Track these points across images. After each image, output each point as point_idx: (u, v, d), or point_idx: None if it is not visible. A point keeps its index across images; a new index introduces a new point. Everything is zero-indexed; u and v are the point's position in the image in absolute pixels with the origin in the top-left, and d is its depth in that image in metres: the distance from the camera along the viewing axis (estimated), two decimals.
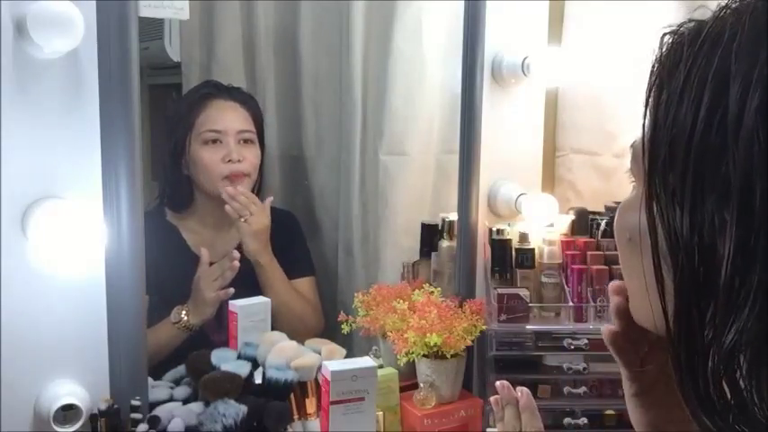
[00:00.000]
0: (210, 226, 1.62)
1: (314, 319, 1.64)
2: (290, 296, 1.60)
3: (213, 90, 1.60)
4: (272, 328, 1.46)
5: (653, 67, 0.51)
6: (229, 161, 1.55)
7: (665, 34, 0.50)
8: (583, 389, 1.51)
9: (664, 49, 0.50)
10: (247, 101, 1.63)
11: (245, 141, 1.59)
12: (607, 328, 0.61)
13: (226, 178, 1.55)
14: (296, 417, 1.31)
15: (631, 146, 0.57)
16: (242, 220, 1.53)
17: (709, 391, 0.45)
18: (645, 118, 0.52)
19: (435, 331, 1.38)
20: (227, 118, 1.58)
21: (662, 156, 0.48)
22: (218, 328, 1.53)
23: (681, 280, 0.47)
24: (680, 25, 0.49)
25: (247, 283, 1.57)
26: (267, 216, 1.56)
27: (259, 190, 1.66)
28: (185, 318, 1.48)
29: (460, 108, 1.57)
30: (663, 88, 0.49)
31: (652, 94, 0.51)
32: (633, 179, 0.58)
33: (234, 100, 1.60)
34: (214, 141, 1.56)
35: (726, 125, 0.43)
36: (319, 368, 1.30)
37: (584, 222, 1.63)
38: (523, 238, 1.58)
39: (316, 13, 1.77)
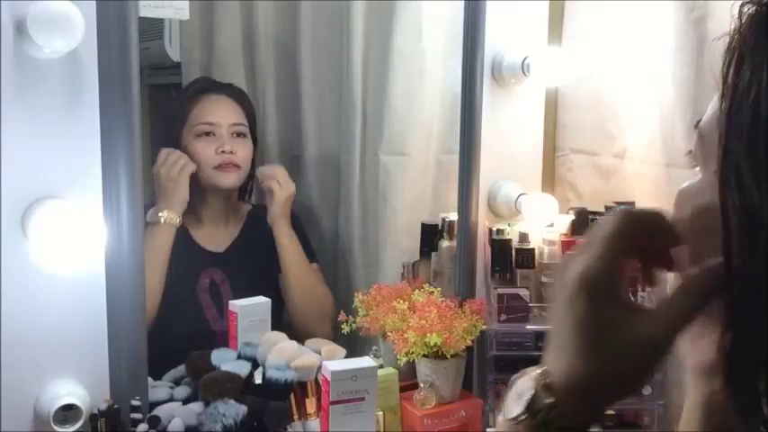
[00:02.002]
0: (209, 221, 1.64)
1: (326, 297, 1.67)
2: (305, 269, 1.64)
3: (206, 85, 1.64)
4: (276, 326, 1.47)
5: (731, 40, 0.46)
6: (222, 152, 1.58)
7: (744, 3, 0.45)
8: None
9: (744, 20, 0.45)
10: (240, 96, 1.66)
11: (238, 135, 1.61)
12: None
13: (217, 168, 1.58)
14: (296, 417, 1.31)
15: (696, 127, 0.52)
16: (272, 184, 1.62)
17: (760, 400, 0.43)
18: (722, 100, 0.47)
19: (435, 331, 1.38)
20: (220, 111, 1.61)
21: (741, 143, 0.44)
22: (219, 317, 1.56)
23: (752, 272, 0.44)
24: None
25: (248, 282, 1.59)
26: (292, 190, 1.64)
27: (251, 191, 1.70)
28: (164, 214, 1.50)
29: (460, 108, 1.57)
30: (743, 64, 0.45)
31: (730, 71, 0.46)
32: (696, 163, 0.53)
33: (226, 94, 1.64)
34: (207, 134, 1.58)
35: None
36: (319, 368, 1.30)
37: (584, 222, 1.62)
38: (523, 238, 1.58)
39: (315, 13, 1.77)
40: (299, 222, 1.73)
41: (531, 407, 0.48)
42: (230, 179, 1.60)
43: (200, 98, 1.61)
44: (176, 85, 1.78)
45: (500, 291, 1.52)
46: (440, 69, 1.68)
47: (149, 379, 1.23)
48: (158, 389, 1.28)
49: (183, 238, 1.59)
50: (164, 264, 1.49)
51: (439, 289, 1.50)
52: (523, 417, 0.48)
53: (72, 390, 1.11)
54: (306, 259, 1.65)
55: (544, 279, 1.55)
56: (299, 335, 1.49)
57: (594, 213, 1.63)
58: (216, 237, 1.64)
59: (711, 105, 0.50)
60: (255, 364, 1.31)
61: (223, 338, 1.47)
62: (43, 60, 1.05)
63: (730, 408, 0.47)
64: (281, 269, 1.61)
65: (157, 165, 1.52)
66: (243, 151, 1.61)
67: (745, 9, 0.44)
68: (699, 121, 0.53)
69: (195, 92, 1.62)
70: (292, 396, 1.30)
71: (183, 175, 1.51)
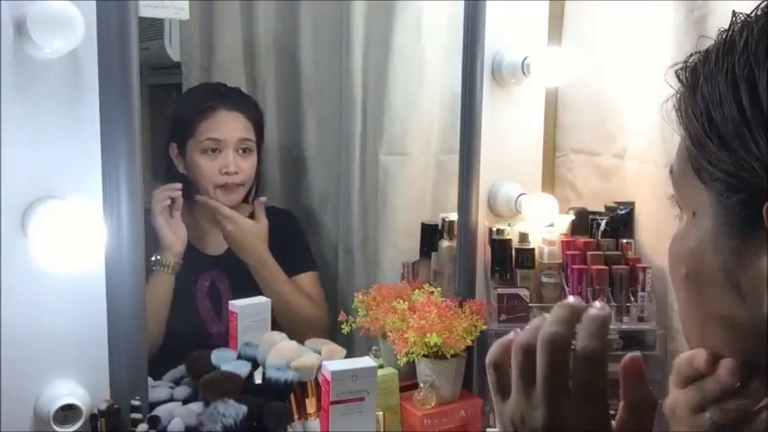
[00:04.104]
0: (206, 220, 1.63)
1: (315, 314, 1.65)
2: (288, 294, 1.60)
3: (217, 101, 1.60)
4: (274, 327, 1.47)
5: (677, 98, 0.53)
6: (226, 173, 1.57)
7: (677, 70, 0.53)
8: None
9: (681, 77, 0.53)
10: (249, 108, 1.64)
11: (244, 150, 1.60)
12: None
13: (220, 187, 1.58)
14: (296, 417, 1.31)
15: (671, 172, 0.57)
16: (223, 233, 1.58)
17: None
18: (683, 142, 0.54)
19: (435, 331, 1.38)
20: (229, 127, 1.59)
21: (715, 157, 0.49)
22: (217, 320, 1.56)
23: None
24: (687, 58, 0.53)
25: (247, 283, 1.59)
26: (247, 226, 1.58)
27: (255, 193, 1.68)
28: (159, 258, 1.48)
29: (460, 108, 1.57)
30: (690, 105, 0.51)
31: (682, 117, 0.53)
32: (678, 207, 0.57)
33: (237, 109, 1.60)
34: (213, 150, 1.57)
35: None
36: (319, 368, 1.30)
37: (584, 222, 1.63)
38: (523, 238, 1.58)
39: (316, 13, 1.77)
40: (297, 224, 1.73)
41: None
42: (232, 198, 1.59)
43: (211, 113, 1.57)
44: (176, 85, 1.78)
45: (500, 291, 1.52)
46: (440, 69, 1.68)
47: (149, 379, 1.23)
48: (158, 389, 1.28)
49: None
50: (165, 311, 1.48)
51: (439, 289, 1.50)
52: None
53: (72, 390, 1.11)
54: (284, 280, 1.61)
55: (544, 279, 1.55)
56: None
57: (594, 213, 1.63)
58: (215, 241, 1.63)
59: (678, 152, 0.55)
60: (255, 364, 1.31)
61: (219, 340, 1.47)
62: (43, 60, 1.05)
63: None
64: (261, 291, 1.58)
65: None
66: (247, 168, 1.60)
67: (679, 72, 0.53)
68: (672, 167, 0.57)
69: (206, 108, 1.58)
70: (292, 396, 1.30)
71: (160, 222, 1.49)
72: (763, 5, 0.49)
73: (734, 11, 0.51)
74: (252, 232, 1.59)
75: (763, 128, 0.46)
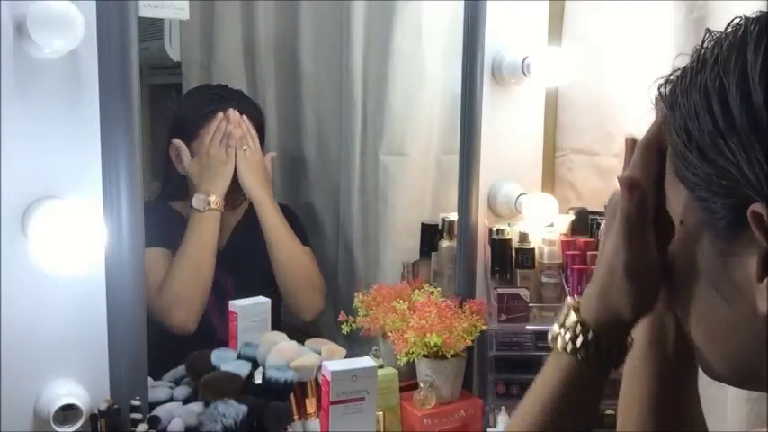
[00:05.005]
0: None
1: (317, 277, 1.66)
2: (293, 244, 1.62)
3: (219, 105, 1.59)
4: (274, 324, 1.46)
5: (661, 112, 0.57)
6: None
7: (660, 85, 0.57)
8: None
9: (662, 92, 0.57)
10: (251, 111, 1.63)
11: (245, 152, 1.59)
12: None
13: None
14: (296, 417, 1.31)
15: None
16: (243, 148, 1.57)
17: None
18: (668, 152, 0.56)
19: (435, 331, 1.38)
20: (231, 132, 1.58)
21: (697, 168, 0.51)
22: (221, 317, 1.54)
23: None
24: (667, 76, 0.57)
25: (248, 278, 1.59)
26: (261, 155, 1.61)
27: None
28: (210, 197, 1.51)
29: (460, 108, 1.57)
30: (671, 121, 0.55)
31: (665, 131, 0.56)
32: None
33: (239, 110, 1.60)
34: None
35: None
36: (319, 368, 1.30)
37: (584, 222, 1.63)
38: (523, 238, 1.58)
39: (316, 13, 1.78)
40: (294, 215, 1.72)
41: (563, 322, 0.63)
42: (234, 198, 1.59)
43: (213, 117, 1.56)
44: (176, 85, 1.78)
45: (500, 291, 1.53)
46: (440, 69, 1.68)
47: (149, 379, 1.23)
48: (158, 389, 1.28)
49: (182, 229, 1.58)
50: (213, 251, 1.51)
51: (439, 289, 1.50)
52: (557, 333, 0.63)
53: (72, 390, 1.11)
54: (292, 234, 1.62)
55: (544, 279, 1.55)
56: (291, 312, 1.54)
57: (594, 213, 1.63)
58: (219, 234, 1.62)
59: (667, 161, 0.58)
60: (255, 364, 1.31)
61: (224, 336, 1.46)
62: (43, 60, 1.05)
63: None
64: (267, 245, 1.59)
65: (205, 144, 1.52)
66: None
67: (661, 88, 0.57)
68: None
69: (208, 113, 1.57)
70: (292, 396, 1.30)
71: (231, 155, 1.53)
72: (733, 22, 0.52)
73: (707, 29, 0.54)
74: (262, 160, 1.60)
75: (735, 134, 0.48)
